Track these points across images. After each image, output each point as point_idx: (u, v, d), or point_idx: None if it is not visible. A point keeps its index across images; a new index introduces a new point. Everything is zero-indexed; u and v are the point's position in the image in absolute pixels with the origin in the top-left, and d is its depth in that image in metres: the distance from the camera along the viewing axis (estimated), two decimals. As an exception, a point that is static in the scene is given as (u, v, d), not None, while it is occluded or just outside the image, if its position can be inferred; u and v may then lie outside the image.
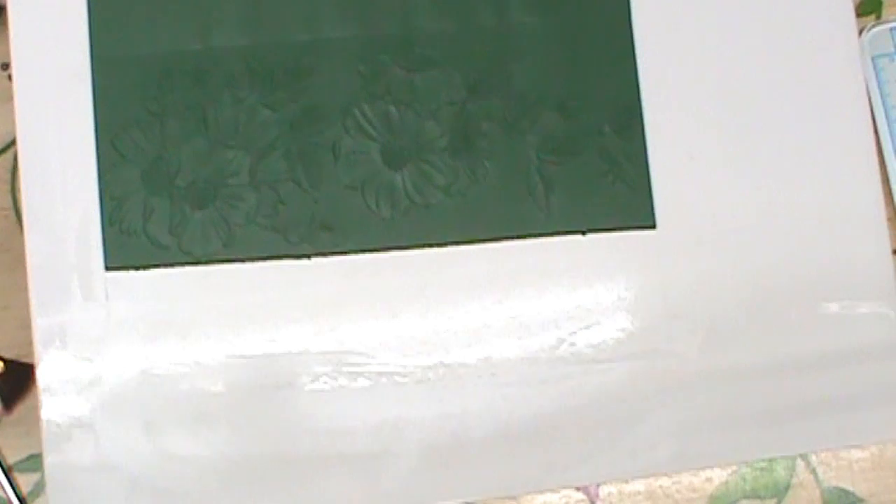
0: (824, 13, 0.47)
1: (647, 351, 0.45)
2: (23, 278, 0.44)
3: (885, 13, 0.50)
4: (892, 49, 0.49)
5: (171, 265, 0.44)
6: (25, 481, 0.47)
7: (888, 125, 0.48)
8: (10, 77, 0.47)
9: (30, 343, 0.45)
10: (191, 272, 0.44)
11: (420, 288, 0.45)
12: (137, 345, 0.44)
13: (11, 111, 0.45)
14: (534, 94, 0.46)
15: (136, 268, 0.44)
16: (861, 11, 0.48)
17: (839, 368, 0.45)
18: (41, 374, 0.43)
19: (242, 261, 0.44)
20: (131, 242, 0.44)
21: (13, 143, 0.48)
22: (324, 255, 0.44)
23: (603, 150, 0.46)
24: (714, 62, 0.46)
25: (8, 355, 0.47)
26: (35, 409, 0.44)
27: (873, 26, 0.49)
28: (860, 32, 0.48)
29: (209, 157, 0.44)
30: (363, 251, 0.44)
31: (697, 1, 0.46)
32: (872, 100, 0.48)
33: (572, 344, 0.45)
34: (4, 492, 0.46)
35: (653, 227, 0.45)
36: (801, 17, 0.47)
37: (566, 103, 0.46)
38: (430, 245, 0.45)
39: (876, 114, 0.48)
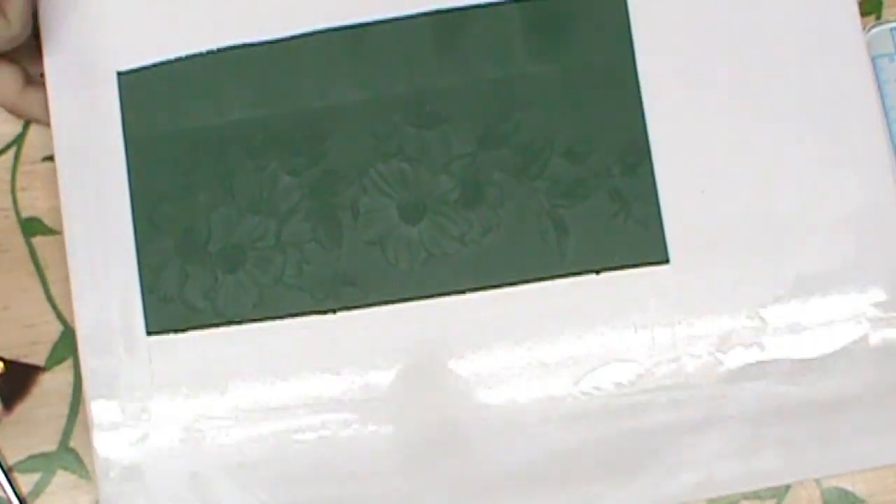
0: (833, 41, 0.47)
1: (667, 384, 0.46)
2: (22, 278, 0.45)
3: (885, 13, 0.50)
4: (892, 49, 0.49)
5: (207, 326, 0.47)
6: (25, 481, 0.48)
7: (888, 125, 0.47)
8: None
9: (30, 343, 0.47)
10: (225, 332, 0.47)
11: (441, 335, 0.47)
12: (180, 401, 0.47)
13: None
14: (541, 141, 0.47)
15: (176, 331, 0.47)
16: (861, 11, 0.47)
17: (864, 390, 0.45)
18: (95, 432, 0.47)
19: (272, 318, 0.47)
20: (169, 308, 0.47)
21: (13, 142, 0.50)
22: (348, 308, 0.47)
23: (613, 191, 0.47)
24: (719, 95, 0.47)
25: (8, 355, 0.48)
26: (35, 409, 0.45)
27: (873, 26, 0.49)
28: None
29: (237, 223, 0.47)
30: (385, 303, 0.47)
31: (700, 38, 0.47)
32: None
33: (592, 381, 0.46)
34: (4, 492, 0.47)
35: (666, 261, 0.46)
36: (808, 47, 0.47)
37: (574, 148, 0.47)
38: (449, 293, 0.47)
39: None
